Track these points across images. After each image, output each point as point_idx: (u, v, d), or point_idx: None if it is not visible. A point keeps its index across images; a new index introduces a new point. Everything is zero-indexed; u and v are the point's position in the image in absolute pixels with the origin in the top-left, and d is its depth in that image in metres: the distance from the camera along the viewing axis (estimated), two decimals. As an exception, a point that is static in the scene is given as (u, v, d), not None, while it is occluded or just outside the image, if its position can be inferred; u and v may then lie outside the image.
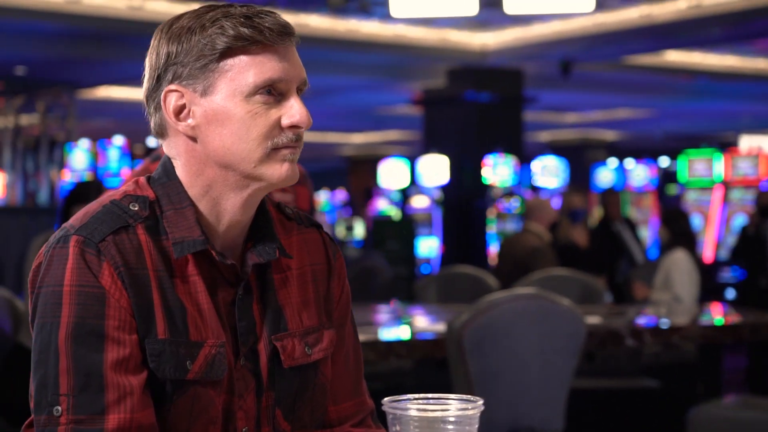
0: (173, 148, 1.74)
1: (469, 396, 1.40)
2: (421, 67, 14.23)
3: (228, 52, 1.67)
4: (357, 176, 26.78)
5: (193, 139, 1.71)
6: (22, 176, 13.67)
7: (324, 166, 30.26)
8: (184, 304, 1.67)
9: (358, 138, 25.02)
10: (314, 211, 2.69)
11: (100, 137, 15.67)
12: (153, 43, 1.72)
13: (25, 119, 14.51)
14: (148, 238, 1.67)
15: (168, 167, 1.75)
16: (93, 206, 1.70)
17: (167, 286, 1.67)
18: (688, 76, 14.78)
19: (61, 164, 13.83)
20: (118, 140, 15.11)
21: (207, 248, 1.69)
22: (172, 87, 1.69)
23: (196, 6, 1.76)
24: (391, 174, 15.94)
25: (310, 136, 24.20)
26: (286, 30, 1.71)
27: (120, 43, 11.82)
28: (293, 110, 1.72)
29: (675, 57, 13.98)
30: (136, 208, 1.69)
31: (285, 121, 1.71)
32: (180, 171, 1.74)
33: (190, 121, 1.70)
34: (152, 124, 1.75)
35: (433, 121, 14.76)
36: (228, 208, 1.73)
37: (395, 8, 9.23)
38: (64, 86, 13.82)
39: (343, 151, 27.09)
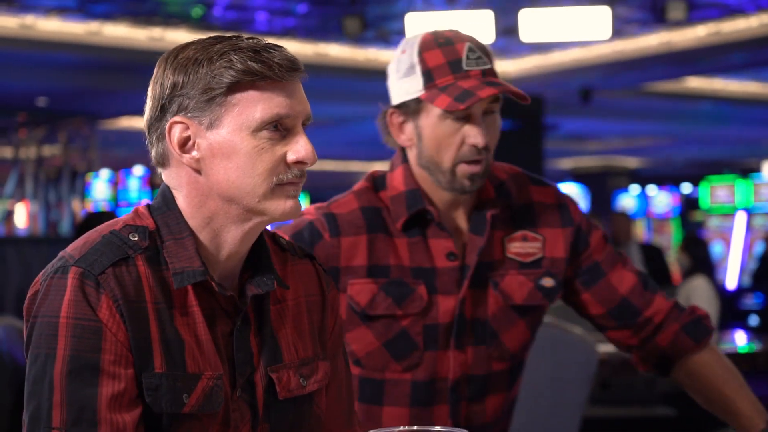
0: (174, 179, 1.73)
1: (454, 428, 1.38)
2: (441, 96, 14.25)
3: (236, 87, 1.66)
4: (379, 204, 26.80)
5: (197, 171, 1.70)
6: (45, 206, 13.73)
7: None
8: (182, 337, 1.66)
9: (379, 167, 25.04)
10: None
11: (121, 167, 15.75)
12: (157, 72, 1.71)
13: (47, 150, 14.60)
14: (148, 269, 1.66)
15: (168, 197, 1.74)
16: (92, 236, 1.68)
17: (166, 318, 1.66)
18: (709, 103, 14.74)
19: (83, 194, 13.90)
20: (138, 170, 15.17)
21: (207, 279, 1.69)
22: (178, 119, 1.68)
23: (209, 34, 1.76)
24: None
25: (331, 165, 24.25)
26: (294, 65, 1.69)
27: (141, 74, 11.88)
28: (299, 146, 1.69)
29: (696, 83, 13.95)
30: (135, 239, 1.67)
31: (291, 157, 1.69)
32: (181, 201, 1.73)
33: (194, 153, 1.69)
34: (153, 154, 1.74)
35: (453, 149, 14.76)
36: (228, 240, 1.72)
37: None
38: (86, 117, 13.90)
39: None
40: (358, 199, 2.32)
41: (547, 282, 2.31)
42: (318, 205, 2.34)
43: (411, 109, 2.26)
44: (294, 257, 1.88)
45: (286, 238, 1.95)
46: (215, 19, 10.78)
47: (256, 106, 1.66)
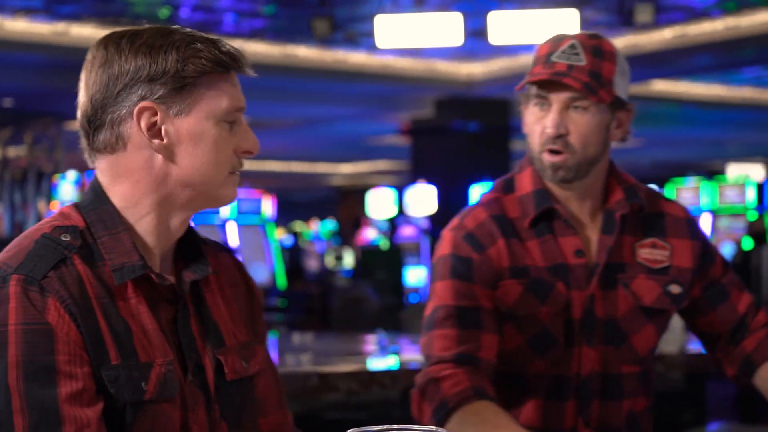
0: (122, 166, 1.72)
1: (433, 427, 1.39)
2: (409, 98, 14.28)
3: (206, 76, 1.70)
4: (346, 206, 26.80)
5: (160, 156, 1.71)
6: (10, 208, 13.65)
7: (313, 196, 30.29)
8: (129, 327, 1.67)
9: (347, 168, 25.06)
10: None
11: (87, 169, 15.64)
12: (104, 54, 1.70)
13: (13, 151, 14.50)
14: (86, 267, 1.66)
15: (99, 192, 1.74)
16: (24, 242, 1.67)
17: (111, 312, 1.66)
18: (674, 105, 14.84)
19: (49, 196, 13.82)
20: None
21: (147, 272, 1.71)
22: (147, 104, 1.68)
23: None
24: (380, 203, 15.95)
25: (299, 167, 24.24)
26: (243, 57, 1.76)
27: (107, 75, 11.83)
28: (249, 136, 1.76)
29: (661, 86, 14.04)
30: (68, 239, 1.67)
31: (243, 147, 1.75)
32: (121, 191, 1.73)
33: (163, 139, 1.70)
34: (101, 138, 1.71)
35: (420, 151, 14.80)
36: (172, 226, 1.75)
37: (381, 39, 9.27)
38: (52, 118, 13.83)
39: (332, 181, 27.12)
40: (487, 209, 2.40)
41: (675, 289, 2.38)
42: (452, 226, 2.42)
43: (526, 98, 2.37)
44: (214, 249, 1.92)
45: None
46: (182, 20, 10.76)
47: (223, 96, 1.71)
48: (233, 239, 13.81)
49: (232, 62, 1.72)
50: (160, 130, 1.70)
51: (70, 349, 1.60)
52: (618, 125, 2.40)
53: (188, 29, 1.73)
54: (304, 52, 12.28)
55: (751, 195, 13.83)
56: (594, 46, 2.33)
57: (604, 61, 2.32)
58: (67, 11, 10.29)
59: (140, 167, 1.71)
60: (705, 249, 2.45)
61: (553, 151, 2.30)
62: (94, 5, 10.09)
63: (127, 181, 1.72)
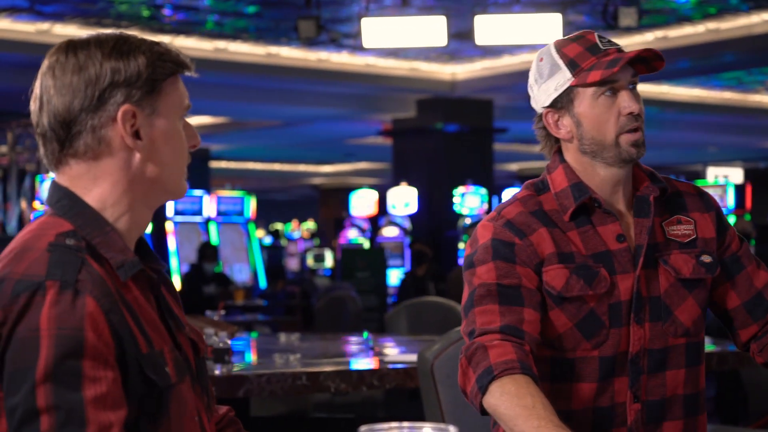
0: (101, 169, 1.75)
1: (442, 425, 1.43)
2: (391, 98, 14.31)
3: (171, 78, 1.78)
4: (327, 206, 26.81)
5: (138, 156, 1.76)
6: (-8, 207, 13.60)
7: (294, 195, 30.28)
8: (143, 319, 1.74)
9: (328, 168, 25.06)
10: None
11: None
12: (76, 60, 1.73)
13: (-5, 150, 14.47)
14: (99, 266, 1.70)
15: (74, 197, 1.76)
16: (33, 253, 1.68)
17: (128, 305, 1.72)
18: (655, 108, 14.91)
19: (31, 195, 13.78)
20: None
21: (143, 267, 1.78)
22: (128, 107, 1.73)
23: (161, 35, 1.83)
24: (361, 204, 15.97)
25: (280, 166, 24.23)
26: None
27: (90, 74, 11.81)
28: (194, 132, 1.85)
29: (642, 88, 14.06)
30: (73, 243, 1.70)
31: (191, 142, 1.84)
32: (99, 193, 1.76)
33: (140, 139, 1.75)
34: (80, 143, 1.74)
35: (402, 152, 14.83)
36: (142, 222, 1.82)
37: (367, 39, 9.31)
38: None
39: (313, 181, 27.12)
40: (524, 205, 2.48)
41: (706, 258, 2.51)
42: (489, 217, 2.50)
43: (563, 102, 2.46)
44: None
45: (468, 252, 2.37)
46: (165, 19, 10.76)
47: (182, 95, 1.81)
48: (215, 239, 13.81)
49: (185, 63, 1.81)
50: (138, 131, 1.75)
51: (97, 352, 1.62)
52: None
53: (135, 35, 1.80)
54: (286, 53, 12.29)
55: (731, 198, 13.93)
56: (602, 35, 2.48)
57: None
58: (50, 10, 10.27)
59: (119, 168, 1.76)
60: (719, 219, 2.58)
61: (629, 130, 2.43)
62: (77, 5, 10.08)
63: (105, 183, 1.76)
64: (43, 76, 1.77)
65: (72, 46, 1.75)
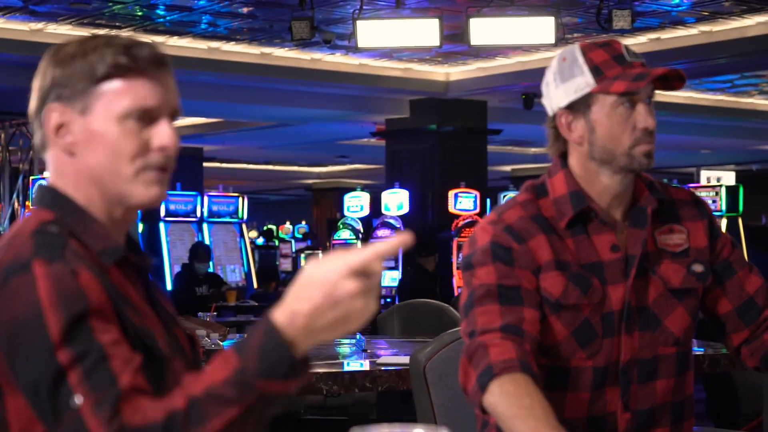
0: (54, 164, 1.84)
1: (434, 426, 1.43)
2: (385, 99, 14.31)
3: (106, 78, 1.79)
4: (320, 207, 26.79)
5: (70, 154, 1.81)
6: (-16, 207, 13.58)
7: (287, 196, 30.26)
8: (131, 299, 1.76)
9: (322, 169, 25.05)
10: None
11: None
12: (41, 65, 1.83)
13: (-13, 149, 14.44)
14: (83, 250, 1.73)
15: (54, 191, 1.83)
16: (18, 240, 1.71)
17: (114, 287, 1.73)
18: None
19: (25, 195, 13.77)
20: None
21: (127, 254, 1.81)
22: (53, 105, 1.79)
23: (154, 36, 1.85)
24: (355, 205, 15.96)
25: (273, 167, 24.21)
26: (161, 60, 1.83)
27: (84, 74, 11.78)
28: (162, 132, 1.82)
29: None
30: (56, 229, 1.74)
31: (154, 143, 1.81)
32: (72, 188, 1.82)
33: (68, 137, 1.80)
34: (36, 141, 1.86)
35: (396, 153, 14.83)
36: (119, 217, 1.84)
37: (361, 40, 9.31)
38: (27, 117, 13.75)
39: (306, 181, 27.10)
40: (524, 209, 2.49)
41: (698, 268, 2.53)
42: (489, 220, 2.51)
43: (580, 106, 2.46)
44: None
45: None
46: (159, 20, 10.75)
47: (123, 96, 1.79)
48: (207, 239, 13.80)
49: (132, 64, 1.79)
50: (67, 129, 1.80)
51: (101, 309, 1.65)
52: None
53: (121, 36, 1.85)
54: (280, 53, 12.29)
55: (724, 201, 13.94)
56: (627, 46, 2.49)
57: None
58: (44, 10, 10.26)
59: (59, 165, 1.83)
60: (711, 225, 2.59)
61: (644, 142, 2.44)
62: (71, 5, 10.07)
63: (64, 177, 1.83)
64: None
65: (48, 51, 1.84)
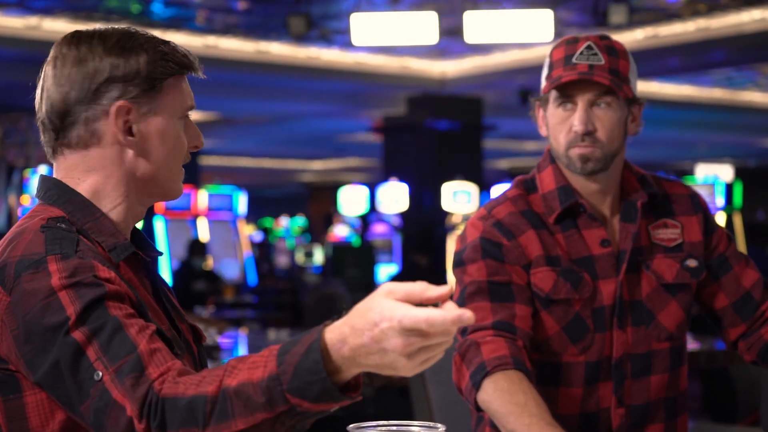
0: (94, 160, 1.78)
1: (431, 423, 1.42)
2: (381, 95, 14.30)
3: (172, 78, 1.80)
4: (317, 202, 26.79)
5: (132, 153, 1.79)
6: (-20, 202, 13.56)
7: (283, 192, 30.26)
8: (141, 298, 1.74)
9: (318, 165, 25.05)
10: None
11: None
12: (77, 53, 1.76)
13: (-17, 144, 14.42)
14: (93, 246, 1.72)
15: (62, 187, 1.79)
16: (27, 236, 1.69)
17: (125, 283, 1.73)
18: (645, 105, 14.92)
19: (20, 190, 13.75)
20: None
21: (135, 250, 1.79)
22: (122, 103, 1.76)
23: (150, 30, 1.84)
24: (351, 201, 15.96)
25: (270, 163, 24.21)
26: (198, 61, 1.87)
27: (80, 69, 11.77)
28: (197, 133, 1.88)
29: (632, 86, 14.10)
30: (65, 226, 1.72)
31: (193, 143, 1.86)
32: (92, 183, 1.79)
33: (134, 136, 1.78)
34: (73, 134, 1.77)
35: (392, 148, 14.82)
36: (138, 213, 1.84)
37: (357, 36, 9.29)
38: (23, 111, 13.74)
39: (303, 177, 27.09)
40: (514, 205, 2.49)
41: (691, 263, 2.52)
42: (479, 216, 2.51)
43: (542, 101, 2.49)
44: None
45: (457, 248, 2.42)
46: (155, 15, 10.74)
47: (183, 96, 1.83)
48: (204, 235, 13.79)
49: (191, 64, 1.83)
50: (131, 127, 1.77)
51: (117, 293, 1.63)
52: (633, 119, 2.53)
53: (145, 32, 1.82)
54: (277, 49, 12.27)
55: (720, 196, 13.94)
56: (607, 45, 2.45)
57: (619, 59, 2.45)
58: (40, 5, 10.24)
59: (111, 162, 1.79)
60: (707, 220, 2.58)
61: (578, 145, 2.43)
62: (67, 0, 10.05)
63: (98, 174, 1.80)
64: (46, 65, 1.81)
65: (76, 38, 1.79)
